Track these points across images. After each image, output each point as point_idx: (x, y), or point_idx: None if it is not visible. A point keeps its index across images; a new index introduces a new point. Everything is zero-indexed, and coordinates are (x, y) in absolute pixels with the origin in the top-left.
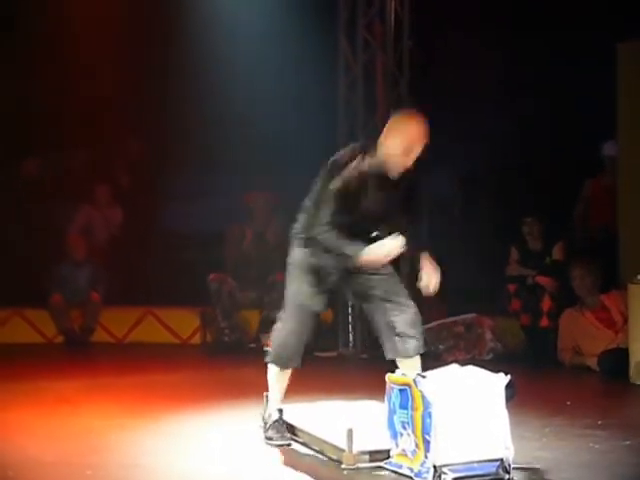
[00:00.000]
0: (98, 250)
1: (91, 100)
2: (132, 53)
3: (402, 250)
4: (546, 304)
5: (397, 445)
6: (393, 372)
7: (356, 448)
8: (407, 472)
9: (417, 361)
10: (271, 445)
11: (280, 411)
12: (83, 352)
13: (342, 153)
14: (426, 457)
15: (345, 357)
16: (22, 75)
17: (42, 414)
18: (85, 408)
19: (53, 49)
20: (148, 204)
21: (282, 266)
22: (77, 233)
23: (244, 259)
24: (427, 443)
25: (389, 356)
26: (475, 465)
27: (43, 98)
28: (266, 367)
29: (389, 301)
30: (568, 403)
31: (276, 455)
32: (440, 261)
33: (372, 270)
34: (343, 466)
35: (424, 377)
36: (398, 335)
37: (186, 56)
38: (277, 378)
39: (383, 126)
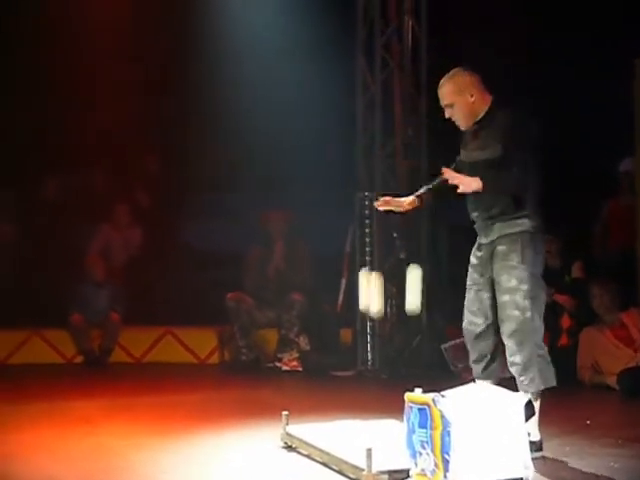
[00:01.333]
0: (117, 270)
1: (109, 120)
2: (150, 71)
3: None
4: (565, 322)
5: (416, 464)
6: (412, 391)
7: (375, 468)
8: None
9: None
10: None
11: None
12: (102, 372)
13: None
14: (445, 476)
15: (364, 376)
16: (41, 98)
17: (61, 434)
18: (104, 428)
19: (73, 71)
20: (167, 223)
21: (300, 286)
22: (96, 254)
23: (263, 279)
24: (446, 462)
25: None
26: None
27: (62, 120)
28: (282, 386)
29: None
30: (588, 422)
31: (295, 475)
32: (459, 279)
33: None
34: None
35: (443, 396)
36: None
37: (205, 74)
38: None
39: (401, 144)
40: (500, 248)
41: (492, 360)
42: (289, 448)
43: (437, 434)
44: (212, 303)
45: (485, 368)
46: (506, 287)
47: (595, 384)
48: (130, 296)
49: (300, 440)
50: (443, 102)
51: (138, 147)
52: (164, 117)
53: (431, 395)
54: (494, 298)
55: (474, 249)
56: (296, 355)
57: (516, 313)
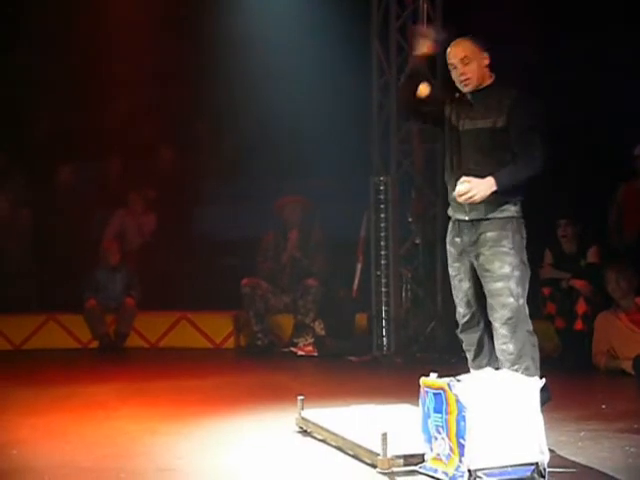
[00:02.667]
0: (132, 255)
1: (125, 108)
2: (165, 60)
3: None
4: (581, 307)
5: (431, 449)
6: (427, 376)
7: (390, 452)
8: (442, 476)
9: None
10: None
11: None
12: (117, 357)
13: None
14: (461, 461)
15: (379, 361)
16: (59, 89)
17: (77, 419)
18: (119, 413)
19: (90, 60)
20: (182, 209)
21: (315, 272)
22: (112, 238)
23: (278, 265)
24: (462, 447)
25: None
26: (510, 469)
27: (78, 107)
28: (297, 371)
29: None
30: (603, 407)
31: (310, 459)
32: None
33: None
34: (377, 470)
35: (459, 381)
36: None
37: (219, 61)
38: None
39: (416, 129)
40: (490, 234)
41: (480, 349)
42: (304, 433)
43: (452, 419)
44: (228, 288)
45: (474, 358)
46: (499, 274)
47: (610, 369)
48: (145, 281)
49: (315, 425)
50: (458, 56)
51: (154, 134)
52: (179, 104)
53: (446, 380)
54: (475, 286)
55: (450, 238)
56: (311, 340)
57: (511, 300)
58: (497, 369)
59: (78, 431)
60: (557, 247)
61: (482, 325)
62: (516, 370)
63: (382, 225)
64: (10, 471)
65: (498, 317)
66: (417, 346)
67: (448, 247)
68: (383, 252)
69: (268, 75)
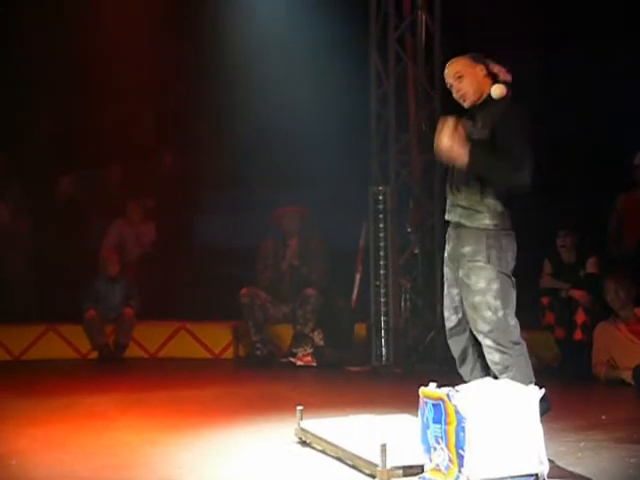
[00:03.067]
0: (131, 265)
1: (124, 117)
2: (166, 68)
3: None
4: (580, 317)
5: (431, 460)
6: (426, 386)
7: (390, 463)
8: None
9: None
10: None
11: None
12: (117, 367)
13: None
14: (460, 472)
15: (378, 371)
16: (57, 95)
17: (76, 429)
18: (119, 423)
19: (90, 68)
20: (181, 219)
21: (314, 281)
22: (111, 248)
23: (277, 274)
24: (461, 458)
25: None
26: None
27: (77, 116)
28: (296, 381)
29: None
30: (603, 417)
31: (309, 470)
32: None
33: None
34: None
35: (458, 391)
36: None
37: (218, 71)
38: None
39: (415, 139)
40: (466, 249)
41: (467, 355)
42: (303, 443)
43: (451, 429)
44: (226, 298)
45: (462, 363)
46: (476, 288)
47: (610, 379)
48: (144, 291)
49: (314, 435)
50: (454, 74)
51: (153, 143)
52: (179, 113)
53: (446, 390)
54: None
55: (447, 236)
56: (310, 350)
57: (488, 314)
58: (482, 378)
59: (77, 441)
60: (556, 257)
61: (467, 334)
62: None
63: (381, 235)
64: None
65: (479, 330)
66: (416, 356)
67: (445, 253)
68: (382, 262)
69: (267, 85)
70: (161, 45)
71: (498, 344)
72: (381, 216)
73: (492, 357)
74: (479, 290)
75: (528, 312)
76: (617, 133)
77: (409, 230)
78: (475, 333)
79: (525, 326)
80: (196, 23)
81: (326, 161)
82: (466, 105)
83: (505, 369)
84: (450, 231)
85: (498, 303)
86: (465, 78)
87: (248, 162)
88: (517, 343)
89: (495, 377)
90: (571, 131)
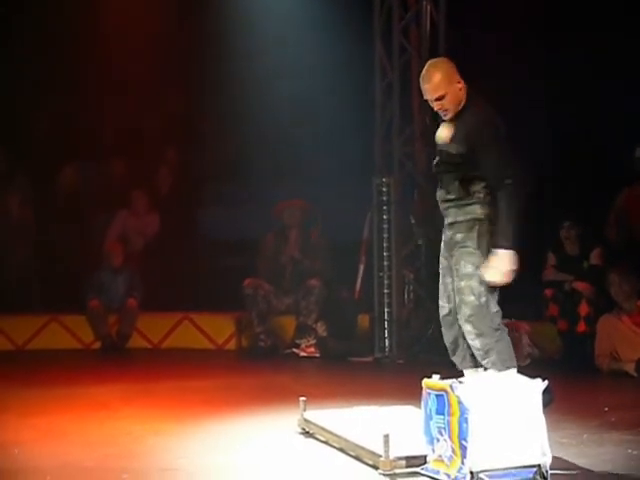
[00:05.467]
0: (135, 256)
1: (128, 108)
2: (170, 61)
3: None
4: (583, 309)
5: (434, 451)
6: (429, 377)
7: (393, 454)
8: (444, 478)
9: None
10: None
11: None
12: (120, 358)
13: None
14: (463, 463)
15: (381, 362)
16: (63, 89)
17: (79, 419)
18: (122, 413)
19: (94, 60)
20: (185, 210)
21: (316, 273)
22: (114, 239)
23: (278, 266)
24: (464, 449)
25: None
26: (512, 471)
27: (82, 107)
28: (299, 372)
29: None
30: (606, 409)
31: (312, 460)
32: None
33: None
34: (379, 472)
35: (461, 382)
36: None
37: (223, 63)
38: None
39: (419, 130)
40: (458, 236)
41: (458, 345)
42: (306, 434)
43: (454, 420)
44: (230, 289)
45: (453, 352)
46: (463, 273)
47: (613, 371)
48: (148, 282)
49: (317, 426)
50: (434, 95)
51: (156, 135)
52: (182, 106)
53: (449, 381)
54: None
55: (443, 231)
56: (313, 341)
57: (471, 298)
58: (473, 368)
59: (81, 431)
60: (560, 249)
61: (458, 325)
62: (485, 364)
63: (384, 226)
64: (13, 471)
65: (461, 315)
66: (419, 347)
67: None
68: (385, 253)
69: (271, 77)
70: (165, 39)
71: (477, 329)
72: (385, 207)
73: (473, 343)
74: (465, 274)
75: (532, 304)
76: (621, 123)
77: (412, 221)
78: (458, 318)
79: (528, 318)
80: (200, 17)
81: (330, 153)
82: (446, 119)
83: (485, 354)
84: (445, 227)
85: (482, 289)
86: (447, 96)
87: (252, 154)
88: (497, 329)
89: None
90: (573, 121)
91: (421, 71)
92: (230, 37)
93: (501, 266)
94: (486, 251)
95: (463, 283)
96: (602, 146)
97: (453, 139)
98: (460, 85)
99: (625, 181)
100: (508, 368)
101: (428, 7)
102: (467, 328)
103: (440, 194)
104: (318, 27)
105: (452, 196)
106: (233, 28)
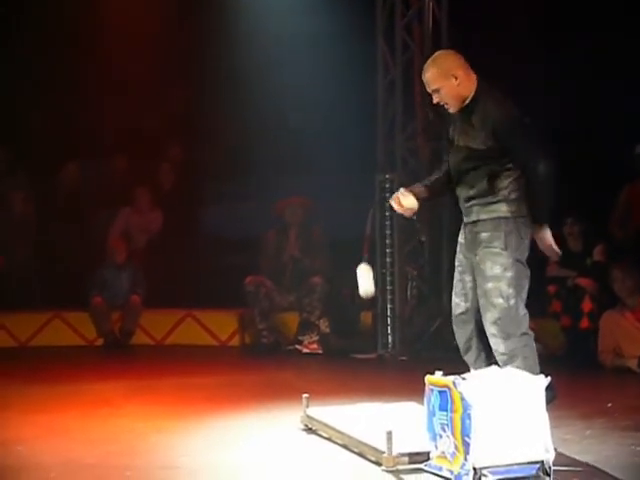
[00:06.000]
0: (138, 253)
1: (130, 105)
2: (171, 57)
3: None
4: (587, 306)
5: (436, 447)
6: (432, 374)
7: (395, 450)
8: (447, 474)
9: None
10: None
11: None
12: (123, 354)
13: None
14: (466, 459)
15: (384, 359)
16: (63, 89)
17: (82, 416)
18: (125, 410)
19: (96, 57)
20: (188, 207)
21: (317, 271)
22: (118, 236)
23: (279, 264)
24: (467, 445)
25: None
26: (515, 467)
27: (83, 105)
28: (302, 369)
29: None
30: (609, 405)
31: (315, 457)
32: None
33: None
34: (382, 468)
35: (464, 379)
36: None
37: (225, 59)
38: None
39: (422, 127)
40: (484, 235)
41: (471, 344)
42: (309, 431)
43: (457, 417)
44: (233, 286)
45: (466, 352)
46: (490, 274)
47: (616, 367)
48: (151, 278)
49: (320, 422)
50: (429, 88)
51: (157, 134)
52: (184, 102)
53: (452, 378)
54: (475, 283)
55: (461, 229)
56: (316, 338)
57: (500, 301)
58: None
59: (83, 428)
60: (563, 245)
61: (473, 325)
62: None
63: (387, 223)
64: (16, 468)
65: (488, 317)
66: (422, 344)
67: (459, 237)
68: (388, 250)
69: (273, 73)
70: (166, 36)
71: (504, 333)
72: (387, 204)
73: (497, 347)
74: (493, 276)
75: (535, 300)
76: (624, 119)
77: (415, 218)
78: (483, 321)
79: (531, 314)
80: (201, 15)
81: (332, 150)
82: (451, 111)
83: (510, 359)
84: (465, 227)
85: (511, 291)
86: (442, 90)
87: (254, 151)
88: (525, 333)
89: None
90: (576, 117)
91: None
92: (230, 36)
93: (550, 243)
94: (514, 250)
95: (490, 285)
96: (602, 146)
97: (472, 134)
98: (458, 81)
99: (625, 179)
100: (533, 375)
101: (430, 4)
102: (492, 331)
103: (462, 192)
104: (320, 25)
105: (477, 193)
106: (234, 27)
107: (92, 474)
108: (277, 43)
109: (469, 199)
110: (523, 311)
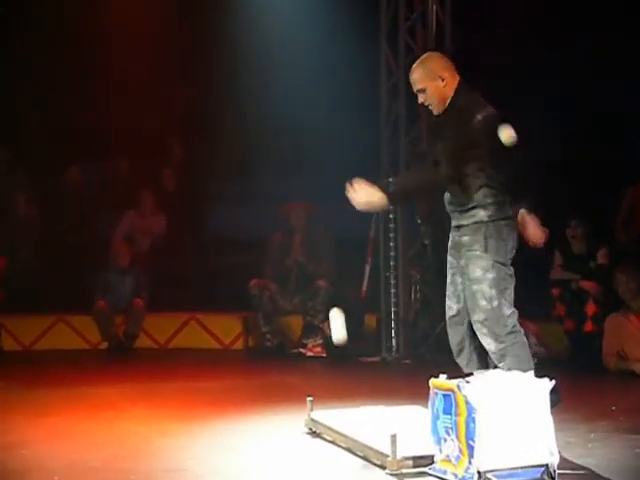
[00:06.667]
0: (141, 256)
1: (133, 107)
2: (174, 58)
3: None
4: (590, 309)
5: (441, 451)
6: (436, 377)
7: (400, 454)
8: (451, 478)
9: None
10: None
11: None
12: (127, 358)
13: None
14: (470, 463)
15: (388, 362)
16: (63, 89)
17: (87, 419)
18: (129, 413)
19: (99, 59)
20: (191, 209)
21: (322, 275)
22: (122, 240)
23: (284, 268)
24: (471, 449)
25: None
26: (519, 471)
27: (83, 109)
28: (306, 372)
29: None
30: (613, 408)
31: (320, 461)
32: None
33: None
34: (387, 472)
35: (468, 382)
36: None
37: (228, 59)
38: None
39: (425, 130)
40: (465, 239)
41: (464, 346)
42: (313, 434)
43: (462, 420)
44: (236, 289)
45: (458, 353)
46: (473, 277)
47: (620, 370)
48: (154, 282)
49: (324, 426)
50: (415, 88)
51: (158, 135)
52: (187, 103)
53: (456, 381)
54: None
55: (451, 231)
56: (320, 341)
57: (484, 303)
58: (479, 370)
59: (87, 431)
60: (567, 248)
61: (465, 326)
62: (502, 368)
63: (391, 226)
64: (20, 471)
65: (475, 319)
66: (426, 347)
67: (449, 243)
68: (392, 253)
69: (277, 76)
70: (166, 36)
71: (493, 333)
72: (391, 207)
73: (489, 346)
74: (475, 279)
75: (539, 304)
76: (626, 121)
77: (419, 221)
78: (472, 322)
79: (535, 317)
80: (201, 15)
81: (335, 152)
82: (435, 113)
83: (502, 357)
84: (452, 229)
85: (493, 292)
86: (427, 91)
87: (258, 153)
88: (511, 332)
89: (494, 367)
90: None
91: None
92: (232, 36)
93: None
94: (494, 252)
95: (475, 287)
96: (602, 146)
97: (449, 140)
98: (444, 83)
99: (627, 180)
100: (525, 371)
101: (434, 7)
102: (483, 331)
103: (445, 196)
104: (323, 27)
105: (453, 200)
106: (235, 27)
107: (96, 477)
108: (279, 45)
109: (449, 204)
110: (508, 311)
